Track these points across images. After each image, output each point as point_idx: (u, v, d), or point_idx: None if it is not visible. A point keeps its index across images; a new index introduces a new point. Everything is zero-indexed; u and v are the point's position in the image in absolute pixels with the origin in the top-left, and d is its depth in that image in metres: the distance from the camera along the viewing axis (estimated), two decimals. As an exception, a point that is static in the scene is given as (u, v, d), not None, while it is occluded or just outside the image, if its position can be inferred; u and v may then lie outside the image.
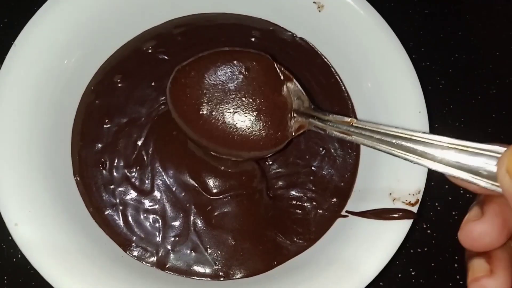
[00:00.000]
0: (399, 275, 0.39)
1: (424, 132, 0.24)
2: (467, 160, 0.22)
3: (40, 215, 0.32)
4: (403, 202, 0.33)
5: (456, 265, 0.39)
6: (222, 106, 0.33)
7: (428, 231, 0.40)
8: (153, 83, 0.39)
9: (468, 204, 0.40)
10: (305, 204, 0.37)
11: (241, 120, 0.33)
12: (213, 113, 0.33)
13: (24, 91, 0.34)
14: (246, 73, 0.34)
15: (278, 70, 0.33)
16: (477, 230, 0.22)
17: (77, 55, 0.37)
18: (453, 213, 0.41)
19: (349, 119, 0.29)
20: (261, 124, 0.33)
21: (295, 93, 0.33)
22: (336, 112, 0.31)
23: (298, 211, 0.37)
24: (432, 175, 0.40)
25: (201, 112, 0.33)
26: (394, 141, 0.26)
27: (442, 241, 0.40)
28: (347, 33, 0.38)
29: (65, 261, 0.31)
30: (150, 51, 0.40)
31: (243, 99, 0.33)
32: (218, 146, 0.34)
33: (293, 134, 0.33)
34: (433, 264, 0.39)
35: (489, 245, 0.22)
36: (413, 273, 0.39)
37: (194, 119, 0.33)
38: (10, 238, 0.38)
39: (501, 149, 0.21)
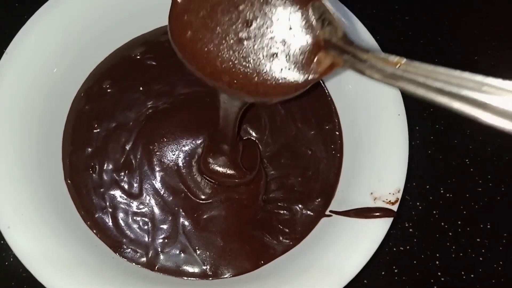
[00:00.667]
0: (383, 273, 0.40)
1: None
2: None
3: (32, 218, 0.32)
4: (383, 201, 0.34)
5: (437, 262, 0.41)
6: (231, 35, 0.26)
7: (410, 230, 0.41)
8: (141, 88, 0.40)
9: (448, 204, 0.42)
10: (293, 205, 0.38)
11: (257, 52, 0.26)
12: (222, 45, 0.26)
13: (15, 98, 0.35)
14: None
15: None
16: None
17: (67, 62, 0.38)
18: (434, 212, 0.42)
19: (395, 59, 0.21)
20: (283, 59, 0.25)
21: (325, 17, 0.25)
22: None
23: (285, 212, 0.38)
24: (413, 175, 0.42)
25: (207, 46, 0.26)
26: (457, 91, 0.19)
27: (424, 240, 0.41)
28: None
29: (57, 262, 0.31)
30: (138, 57, 0.41)
31: (259, 23, 0.25)
32: (228, 87, 0.26)
33: (323, 73, 0.25)
34: (415, 262, 0.41)
35: None
36: (396, 271, 0.40)
37: (199, 53, 0.26)
38: (2, 242, 0.39)
39: None
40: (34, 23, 0.36)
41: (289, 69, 0.25)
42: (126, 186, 0.37)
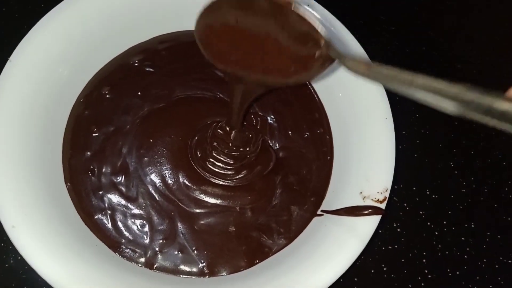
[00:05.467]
0: (372, 271, 0.41)
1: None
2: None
3: (35, 219, 0.33)
4: (372, 199, 0.36)
5: (424, 260, 0.42)
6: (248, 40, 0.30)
7: (398, 230, 0.43)
8: (139, 93, 0.41)
9: (433, 205, 0.44)
10: (291, 206, 0.39)
11: (270, 52, 0.30)
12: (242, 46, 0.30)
13: (18, 104, 0.36)
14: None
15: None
16: None
17: (68, 70, 0.39)
18: (420, 212, 0.44)
19: (366, 63, 0.26)
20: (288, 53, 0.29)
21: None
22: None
23: (284, 213, 0.39)
24: (400, 178, 0.43)
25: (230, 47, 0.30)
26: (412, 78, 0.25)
27: (411, 239, 0.43)
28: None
29: (59, 259, 0.32)
30: (136, 64, 0.42)
31: (269, 32, 0.29)
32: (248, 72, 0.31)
33: (321, 66, 0.29)
34: (403, 260, 0.42)
35: None
36: (385, 269, 0.42)
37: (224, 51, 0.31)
38: (2, 244, 0.39)
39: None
40: (37, 32, 0.38)
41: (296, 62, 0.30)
42: (123, 189, 0.38)
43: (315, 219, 0.38)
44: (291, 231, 0.38)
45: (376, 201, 0.36)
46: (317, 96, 0.43)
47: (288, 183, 0.40)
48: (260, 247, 0.38)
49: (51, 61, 0.38)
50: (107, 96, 0.41)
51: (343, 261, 0.33)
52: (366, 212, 0.35)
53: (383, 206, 0.35)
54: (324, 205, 0.38)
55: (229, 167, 0.40)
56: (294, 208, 0.39)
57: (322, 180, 0.40)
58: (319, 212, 0.38)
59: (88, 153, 0.39)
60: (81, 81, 0.41)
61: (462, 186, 0.45)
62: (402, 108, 0.42)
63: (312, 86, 0.43)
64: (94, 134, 0.40)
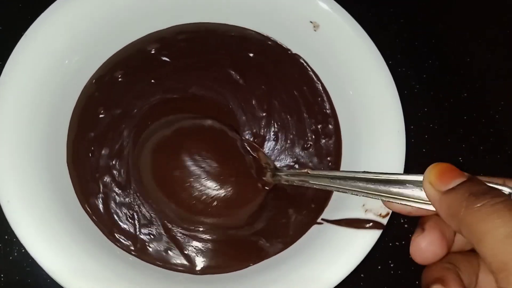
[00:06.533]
0: (379, 267, 0.41)
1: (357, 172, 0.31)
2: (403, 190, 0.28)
3: (32, 195, 0.33)
4: (374, 213, 0.34)
5: (431, 256, 0.42)
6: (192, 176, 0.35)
7: (405, 226, 0.42)
8: (153, 81, 0.40)
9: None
10: (289, 210, 0.38)
11: (215, 188, 0.35)
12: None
13: (28, 82, 0.36)
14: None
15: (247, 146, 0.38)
16: (422, 243, 0.27)
17: (82, 53, 0.39)
18: (428, 209, 0.43)
19: (304, 171, 0.34)
20: (234, 188, 0.35)
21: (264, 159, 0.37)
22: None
23: (284, 216, 0.38)
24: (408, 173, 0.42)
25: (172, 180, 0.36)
26: (343, 182, 0.31)
27: (419, 235, 0.42)
28: (338, 52, 0.40)
29: (50, 238, 0.32)
30: (153, 52, 0.41)
31: (215, 167, 0.35)
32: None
33: (264, 189, 0.36)
34: (410, 256, 0.41)
35: (435, 255, 0.28)
36: (392, 265, 0.41)
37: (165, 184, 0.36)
38: (6, 237, 0.39)
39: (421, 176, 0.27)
40: (55, 10, 0.37)
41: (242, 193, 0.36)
42: (116, 174, 0.38)
43: (315, 227, 0.37)
44: (289, 236, 0.37)
45: (378, 215, 0.34)
46: (329, 104, 0.41)
47: (281, 188, 0.39)
48: (257, 250, 0.37)
49: (66, 43, 0.38)
50: (120, 79, 0.40)
51: (336, 275, 0.33)
52: (367, 226, 0.34)
53: (385, 221, 0.34)
54: (325, 214, 0.37)
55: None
56: (292, 212, 0.38)
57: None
58: (319, 220, 0.37)
59: (92, 134, 0.39)
60: (95, 64, 0.40)
61: (471, 181, 0.44)
62: (409, 101, 0.42)
63: (327, 93, 0.41)
64: (100, 116, 0.39)
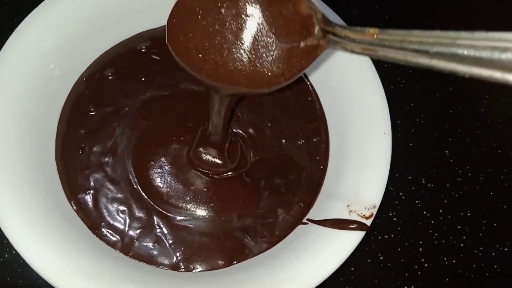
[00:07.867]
0: (369, 260, 0.41)
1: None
2: None
3: (20, 191, 0.33)
4: (358, 214, 0.35)
5: (420, 249, 0.42)
6: (226, 33, 0.27)
7: (394, 219, 0.43)
8: (143, 79, 0.41)
9: (429, 194, 0.44)
10: (277, 209, 0.38)
11: (251, 47, 0.27)
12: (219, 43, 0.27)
13: (18, 80, 0.36)
14: None
15: None
16: None
17: (72, 51, 0.39)
18: (416, 201, 0.43)
19: (371, 30, 0.23)
20: (274, 49, 0.26)
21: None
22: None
23: (271, 215, 0.38)
24: (396, 167, 0.43)
25: (204, 46, 0.27)
26: (432, 48, 0.20)
27: (407, 228, 0.42)
28: (331, 61, 0.40)
29: (36, 233, 0.32)
30: (143, 50, 0.42)
31: (247, 18, 0.26)
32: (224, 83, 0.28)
33: (311, 57, 0.27)
34: (399, 249, 0.42)
35: None
36: (381, 258, 0.41)
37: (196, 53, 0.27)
38: (-4, 239, 0.39)
39: None
40: (48, 6, 0.37)
41: (282, 57, 0.26)
42: (109, 171, 0.38)
43: (299, 227, 0.37)
44: (274, 235, 0.37)
45: (362, 216, 0.35)
46: (319, 104, 0.42)
47: (274, 185, 0.39)
48: (242, 248, 0.37)
49: (57, 40, 0.38)
50: (110, 78, 0.41)
51: (318, 275, 0.33)
52: (351, 226, 0.34)
53: (368, 222, 0.34)
54: (311, 214, 0.38)
55: (214, 167, 0.39)
56: (281, 212, 0.38)
57: (312, 188, 0.39)
58: (304, 220, 0.37)
59: (82, 131, 0.39)
60: (85, 62, 0.41)
61: (458, 174, 0.45)
62: (396, 96, 0.42)
63: (316, 94, 0.42)
64: (91, 113, 0.39)
